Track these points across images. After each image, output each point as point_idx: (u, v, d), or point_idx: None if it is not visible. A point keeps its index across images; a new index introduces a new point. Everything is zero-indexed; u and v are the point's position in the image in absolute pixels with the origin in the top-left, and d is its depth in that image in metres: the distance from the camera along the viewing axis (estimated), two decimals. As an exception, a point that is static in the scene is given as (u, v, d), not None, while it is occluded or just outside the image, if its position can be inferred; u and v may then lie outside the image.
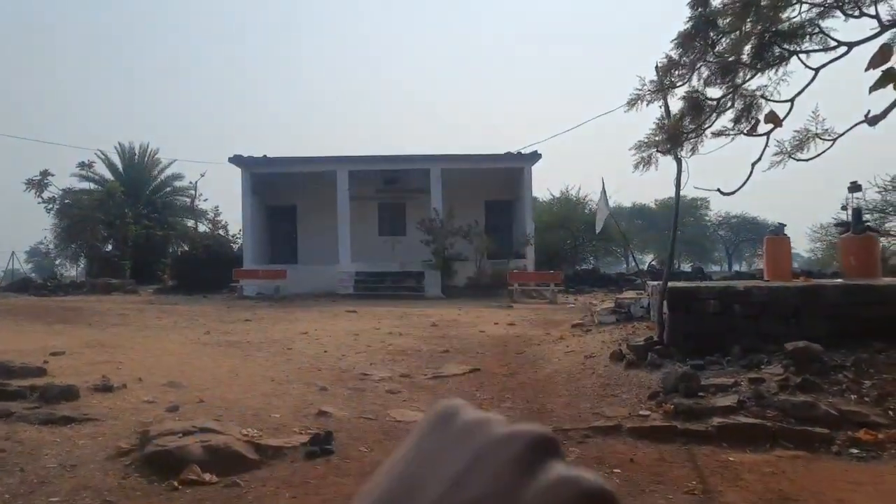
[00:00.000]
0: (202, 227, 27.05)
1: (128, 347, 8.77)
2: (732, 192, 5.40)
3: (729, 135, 5.30)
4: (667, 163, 6.47)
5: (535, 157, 22.72)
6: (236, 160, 22.46)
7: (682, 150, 5.66)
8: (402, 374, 7.51)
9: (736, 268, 50.72)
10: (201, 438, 4.50)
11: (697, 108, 5.37)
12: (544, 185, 42.57)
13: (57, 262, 32.50)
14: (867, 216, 25.07)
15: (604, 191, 12.88)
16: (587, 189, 43.32)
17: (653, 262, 31.55)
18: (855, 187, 11.24)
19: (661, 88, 5.72)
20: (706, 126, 5.46)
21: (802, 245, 45.60)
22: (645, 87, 5.83)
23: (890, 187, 18.52)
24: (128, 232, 25.42)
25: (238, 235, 25.21)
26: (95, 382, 6.09)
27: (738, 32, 5.28)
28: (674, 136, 5.45)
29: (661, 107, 6.45)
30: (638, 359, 6.89)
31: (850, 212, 14.47)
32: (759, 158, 5.09)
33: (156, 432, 4.59)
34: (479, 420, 0.37)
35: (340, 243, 22.44)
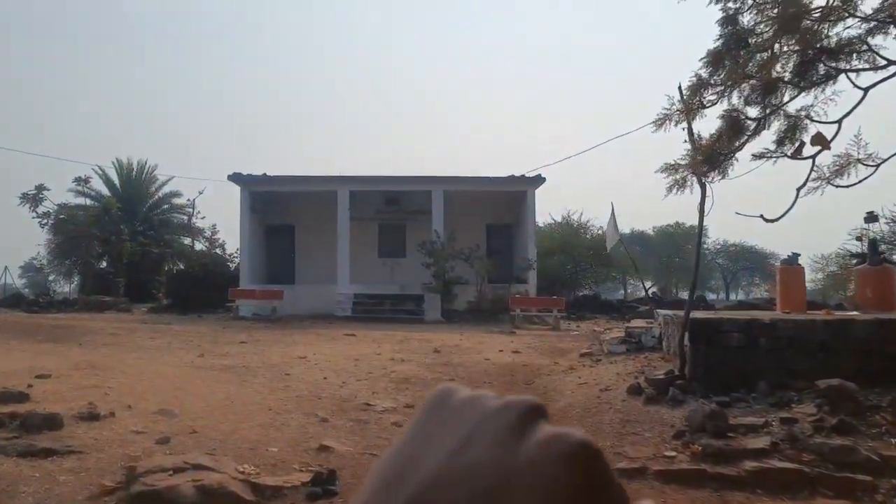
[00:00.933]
0: (199, 246, 26.68)
1: (118, 370, 8.37)
2: (776, 219, 5.10)
3: (771, 157, 5.01)
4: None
5: (538, 180, 22.48)
6: (235, 178, 22.16)
7: (719, 172, 5.36)
8: (406, 404, 7.12)
9: (733, 296, 50.46)
10: (193, 476, 4.12)
11: (737, 128, 5.09)
12: (546, 209, 42.40)
13: (50, 279, 32.04)
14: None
15: (613, 216, 12.59)
16: (589, 214, 43.29)
17: (653, 290, 31.19)
18: (871, 218, 10.96)
19: (689, 109, 5.43)
20: (744, 147, 5.17)
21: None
22: (674, 107, 5.57)
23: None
24: (123, 249, 25.01)
25: (235, 254, 24.83)
26: (81, 410, 5.70)
27: (770, 51, 5.02)
28: (711, 158, 5.16)
29: (683, 129, 6.17)
30: (658, 393, 6.52)
31: (865, 242, 14.20)
32: (805, 183, 4.80)
33: (144, 469, 4.20)
34: (473, 397, 0.39)
35: (339, 264, 22.08)
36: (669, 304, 24.31)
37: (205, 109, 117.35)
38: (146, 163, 31.93)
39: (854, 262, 15.16)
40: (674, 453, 5.19)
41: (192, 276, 23.16)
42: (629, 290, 39.14)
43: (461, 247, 21.13)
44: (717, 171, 5.38)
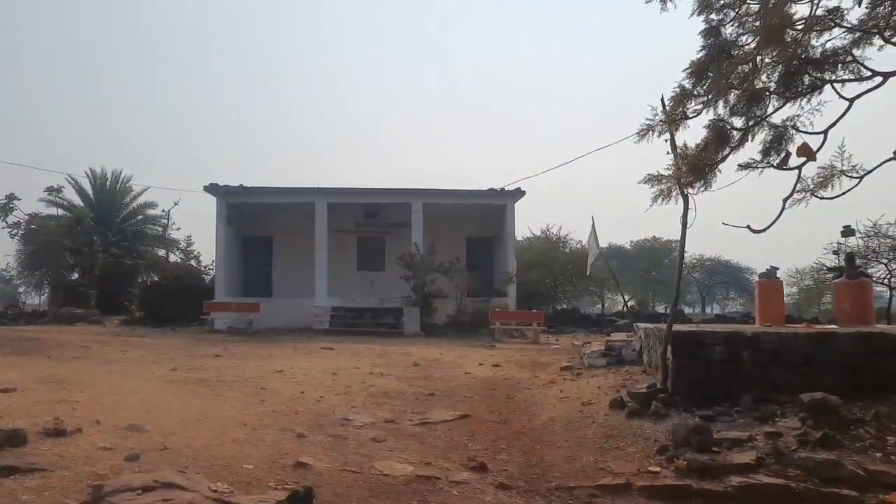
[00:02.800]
0: (174, 257, 26.23)
1: (87, 384, 8.10)
2: (763, 230, 5.07)
3: (757, 167, 4.99)
4: (645, 199, 6.15)
5: (518, 193, 22.50)
6: (212, 189, 21.87)
7: (705, 182, 5.33)
8: (386, 419, 6.96)
9: (709, 310, 50.88)
10: (164, 496, 3.93)
11: (722, 138, 5.06)
12: (525, 223, 42.50)
13: (20, 290, 31.28)
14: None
15: (594, 229, 12.58)
16: (567, 228, 43.46)
17: (631, 304, 31.30)
18: (848, 232, 11.07)
19: (672, 119, 5.41)
20: (728, 157, 5.14)
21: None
22: (657, 118, 5.54)
23: (872, 233, 18.57)
24: (95, 260, 24.51)
25: (211, 266, 24.48)
26: (46, 425, 5.45)
27: (753, 62, 5.02)
28: (697, 168, 5.13)
29: (666, 140, 6.15)
30: (640, 407, 6.44)
31: (842, 256, 14.35)
32: (791, 194, 4.77)
33: (111, 488, 4.00)
34: None
35: (317, 277, 21.85)
36: (647, 318, 24.42)
37: (181, 120, 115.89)
38: (121, 173, 31.49)
39: (831, 275, 15.32)
40: (658, 468, 5.10)
41: (167, 288, 22.79)
42: (606, 304, 39.29)
43: (441, 260, 21.04)
44: (702, 182, 5.35)
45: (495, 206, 23.23)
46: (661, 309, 40.29)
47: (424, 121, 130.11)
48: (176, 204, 28.21)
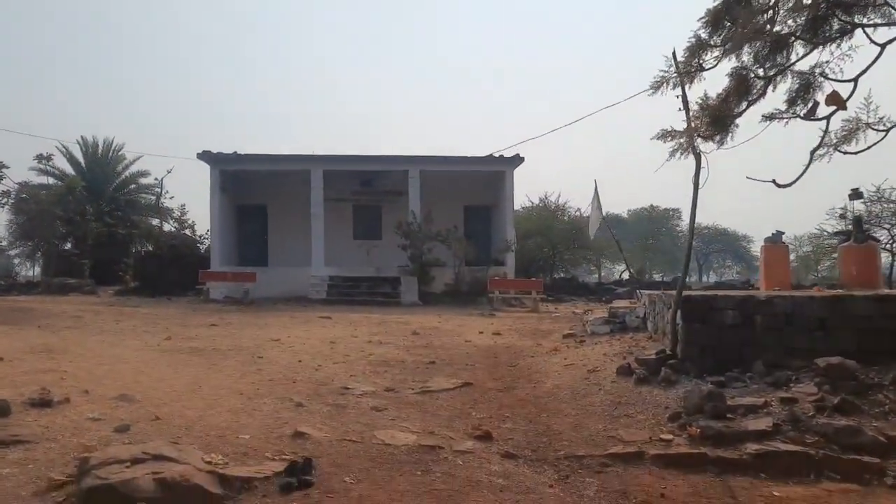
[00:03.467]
0: (168, 227, 25.88)
1: (77, 353, 7.87)
2: (789, 185, 4.80)
3: (783, 118, 4.70)
4: (643, 168, 5.88)
5: (516, 160, 22.13)
6: (205, 156, 21.44)
7: (726, 134, 5.04)
8: (386, 387, 6.76)
9: (706, 279, 50.85)
10: (154, 468, 3.71)
11: (744, 87, 4.76)
12: (523, 191, 42.10)
13: (16, 261, 30.95)
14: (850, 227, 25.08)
15: (596, 194, 12.29)
16: (566, 196, 43.12)
17: (630, 272, 31.16)
18: (856, 195, 10.82)
19: (687, 71, 5.10)
20: (750, 108, 4.84)
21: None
22: (671, 69, 5.23)
23: (875, 198, 18.32)
24: (88, 230, 24.15)
25: (206, 236, 24.13)
26: (32, 396, 5.23)
27: (773, 8, 4.70)
28: (718, 120, 4.84)
29: (678, 97, 5.84)
30: (649, 374, 6.24)
31: (850, 220, 14.11)
32: (819, 146, 4.50)
33: (98, 460, 3.78)
34: None
35: (314, 246, 21.56)
36: (646, 286, 24.28)
37: (174, 86, 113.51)
38: (112, 141, 30.90)
39: (836, 240, 15.11)
40: (670, 436, 4.91)
41: (161, 258, 22.49)
42: (604, 273, 39.14)
43: (438, 228, 20.76)
44: (723, 135, 5.06)
45: (493, 173, 22.87)
46: (657, 277, 40.22)
47: (423, 94, 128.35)
48: (169, 172, 27.63)
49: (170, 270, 21.81)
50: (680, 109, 5.71)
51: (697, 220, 6.32)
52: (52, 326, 11.12)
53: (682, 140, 5.20)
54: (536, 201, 31.14)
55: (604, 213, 11.79)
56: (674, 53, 5.86)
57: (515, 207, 24.35)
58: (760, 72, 4.81)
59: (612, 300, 21.56)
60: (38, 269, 28.93)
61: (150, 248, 24.57)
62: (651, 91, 5.42)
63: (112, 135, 42.50)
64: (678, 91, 5.42)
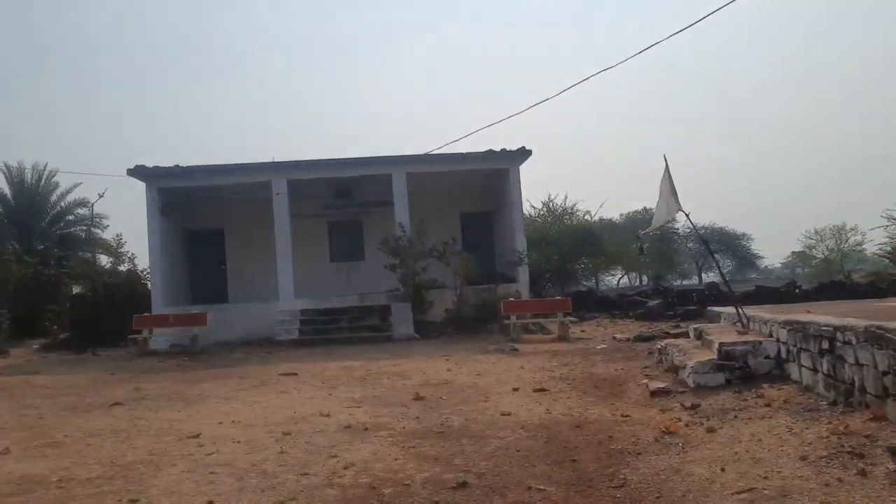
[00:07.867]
0: (106, 262, 21.61)
1: None
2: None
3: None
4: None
5: (522, 154, 18.19)
6: (138, 172, 17.26)
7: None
8: None
9: (705, 278, 46.93)
10: None
11: None
12: (524, 196, 38.13)
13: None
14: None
15: (668, 174, 8.42)
16: (573, 197, 39.29)
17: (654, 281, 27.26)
18: None
19: None
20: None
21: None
22: None
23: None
24: (9, 273, 19.88)
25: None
26: None
27: None
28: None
29: None
30: None
31: None
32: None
33: None
34: None
35: (280, 274, 17.49)
36: (713, 300, 20.48)
37: (103, 97, 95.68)
38: (45, 168, 26.41)
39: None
40: None
41: (95, 301, 18.30)
42: (620, 282, 35.28)
43: (433, 242, 16.83)
44: None
45: (495, 172, 18.93)
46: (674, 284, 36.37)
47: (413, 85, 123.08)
48: (101, 196, 22.87)
49: (108, 315, 17.59)
50: None
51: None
52: None
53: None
54: (539, 206, 27.34)
55: (679, 202, 7.89)
56: None
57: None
58: None
59: (651, 318, 17.65)
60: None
61: (81, 290, 20.31)
62: None
63: (44, 160, 37.44)
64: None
